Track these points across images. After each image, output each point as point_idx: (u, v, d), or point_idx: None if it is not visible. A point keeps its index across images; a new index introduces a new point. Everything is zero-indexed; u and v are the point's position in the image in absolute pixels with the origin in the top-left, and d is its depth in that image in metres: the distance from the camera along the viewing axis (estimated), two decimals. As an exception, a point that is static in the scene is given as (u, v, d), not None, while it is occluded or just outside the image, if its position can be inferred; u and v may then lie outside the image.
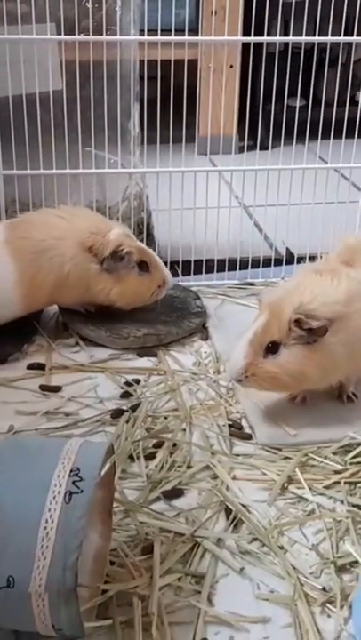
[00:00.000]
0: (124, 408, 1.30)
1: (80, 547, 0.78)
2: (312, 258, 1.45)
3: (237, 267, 1.81)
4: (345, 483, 1.14)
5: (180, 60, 1.66)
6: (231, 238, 1.78)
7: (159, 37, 1.61)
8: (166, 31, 1.62)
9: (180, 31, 1.63)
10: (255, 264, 1.84)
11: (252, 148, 2.53)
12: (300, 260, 1.81)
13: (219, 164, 1.88)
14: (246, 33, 1.76)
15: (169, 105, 1.64)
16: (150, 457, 1.19)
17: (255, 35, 1.69)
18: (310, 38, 1.77)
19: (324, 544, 1.04)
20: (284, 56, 1.74)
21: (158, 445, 1.22)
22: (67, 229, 1.48)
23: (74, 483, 0.82)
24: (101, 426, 1.27)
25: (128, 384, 1.39)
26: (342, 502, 1.11)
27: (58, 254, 1.45)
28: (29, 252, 1.45)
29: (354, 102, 2.84)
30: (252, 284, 1.80)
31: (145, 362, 1.48)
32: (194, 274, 1.80)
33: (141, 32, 1.65)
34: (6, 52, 1.56)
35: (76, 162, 1.67)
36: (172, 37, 1.62)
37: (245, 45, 1.76)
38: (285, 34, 2.37)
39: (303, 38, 1.74)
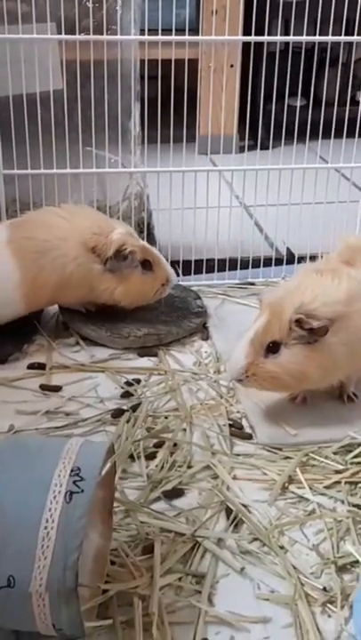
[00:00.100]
0: (125, 408, 1.30)
1: (81, 546, 0.78)
2: (313, 257, 1.45)
3: (238, 266, 1.81)
4: (346, 483, 1.14)
5: (180, 60, 1.66)
6: (232, 238, 1.78)
7: (160, 37, 1.61)
8: (167, 31, 1.62)
9: (180, 31, 1.62)
10: (256, 264, 1.84)
11: (252, 147, 2.52)
12: (301, 259, 1.81)
13: (219, 164, 1.88)
14: (247, 32, 1.76)
15: (169, 104, 1.64)
16: (151, 457, 1.19)
17: (256, 34, 1.69)
18: (311, 38, 1.77)
19: (324, 544, 1.04)
20: (285, 56, 1.74)
21: (159, 445, 1.21)
22: (69, 230, 1.47)
23: (74, 482, 0.82)
24: (102, 425, 1.27)
25: (128, 384, 1.39)
26: (343, 502, 1.11)
27: (61, 255, 1.45)
28: (32, 252, 1.45)
29: (354, 102, 2.84)
30: (252, 284, 1.80)
31: (145, 361, 1.48)
32: (194, 273, 1.80)
33: (142, 31, 1.65)
34: (7, 52, 1.56)
35: (77, 161, 1.67)
36: (173, 37, 1.62)
37: (246, 45, 1.76)
38: (286, 33, 2.37)
39: (304, 38, 1.74)
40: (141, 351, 1.50)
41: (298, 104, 1.82)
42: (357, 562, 1.00)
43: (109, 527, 0.99)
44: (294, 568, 0.99)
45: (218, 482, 1.14)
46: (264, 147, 1.85)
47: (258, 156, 1.74)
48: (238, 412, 1.32)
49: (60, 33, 1.58)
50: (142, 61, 1.67)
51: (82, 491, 0.81)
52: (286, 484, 1.14)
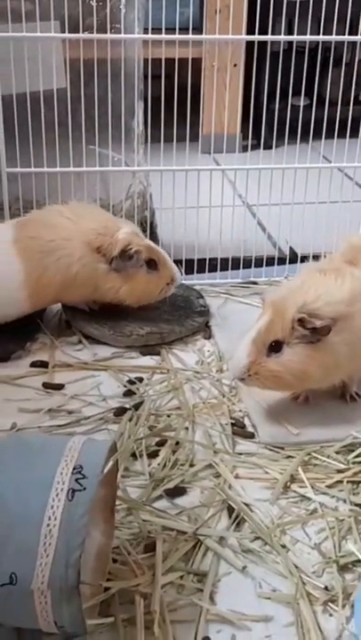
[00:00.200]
0: (127, 406, 1.31)
1: (83, 544, 0.79)
2: (316, 257, 1.45)
3: (241, 265, 1.81)
4: (348, 482, 1.14)
5: (184, 59, 1.66)
6: (235, 237, 1.78)
7: (163, 36, 1.61)
8: (170, 30, 1.62)
9: (184, 30, 1.62)
10: (259, 263, 1.84)
11: (255, 146, 2.52)
12: (304, 259, 1.80)
13: (222, 163, 1.88)
14: (250, 32, 1.75)
15: (173, 103, 1.64)
16: (153, 455, 1.19)
17: (259, 34, 1.69)
18: (315, 37, 1.77)
19: (326, 543, 1.04)
20: (289, 55, 1.74)
21: (161, 443, 1.22)
22: (74, 230, 1.47)
23: (77, 480, 0.82)
24: (104, 424, 1.27)
25: (131, 382, 1.39)
26: (345, 501, 1.11)
27: (65, 254, 1.45)
28: (37, 252, 1.45)
29: (358, 101, 2.84)
30: (255, 283, 1.80)
31: (148, 360, 1.48)
32: (197, 272, 1.80)
33: (145, 30, 1.65)
34: (10, 50, 1.56)
35: (80, 160, 1.67)
36: (176, 36, 1.62)
37: (249, 44, 1.75)
38: (290, 33, 2.37)
39: (307, 37, 1.74)
40: (144, 350, 1.50)
41: (301, 103, 1.83)
42: (359, 561, 1.00)
43: (111, 525, 0.99)
44: (296, 567, 0.99)
45: (220, 480, 1.15)
46: (267, 146, 1.86)
47: (261, 156, 1.75)
48: (241, 410, 1.32)
49: (64, 31, 1.58)
50: (146, 60, 1.66)
51: (84, 489, 0.81)
52: (288, 483, 1.15)
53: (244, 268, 1.81)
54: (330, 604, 0.94)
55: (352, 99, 1.87)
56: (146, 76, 1.68)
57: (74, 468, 0.83)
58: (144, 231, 1.80)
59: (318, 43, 1.76)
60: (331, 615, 0.93)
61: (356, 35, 1.74)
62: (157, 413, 1.29)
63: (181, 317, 1.58)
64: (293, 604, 0.94)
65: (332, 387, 1.32)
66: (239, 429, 1.27)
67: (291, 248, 1.94)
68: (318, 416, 1.30)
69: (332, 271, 1.28)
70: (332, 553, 1.01)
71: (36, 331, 1.54)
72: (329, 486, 1.14)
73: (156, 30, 1.62)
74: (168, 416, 1.29)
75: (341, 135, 1.74)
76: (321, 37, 1.75)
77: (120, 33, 1.64)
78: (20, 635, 0.89)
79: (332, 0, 1.64)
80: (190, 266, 1.77)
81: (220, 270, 1.78)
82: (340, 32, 1.77)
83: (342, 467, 1.17)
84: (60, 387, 1.37)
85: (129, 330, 1.51)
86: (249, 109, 1.83)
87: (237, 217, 1.80)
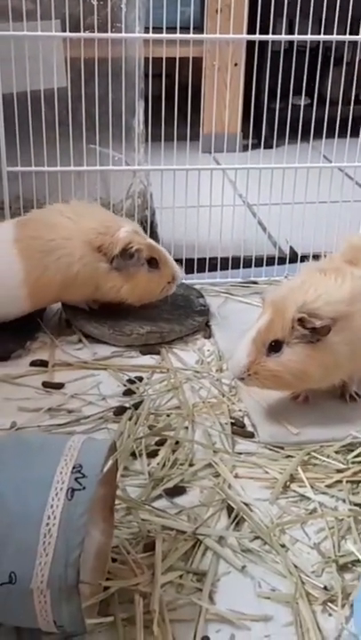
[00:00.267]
0: (127, 405, 1.31)
1: (82, 543, 0.79)
2: (316, 257, 1.45)
3: (241, 265, 1.81)
4: (347, 482, 1.14)
5: (184, 58, 1.66)
6: (235, 236, 1.78)
7: (164, 35, 1.61)
8: (171, 29, 1.62)
9: (185, 29, 1.62)
10: (259, 262, 1.84)
11: (256, 146, 2.52)
12: (304, 258, 1.80)
13: (223, 163, 1.87)
14: (251, 31, 1.75)
15: (173, 103, 1.64)
16: (152, 454, 1.19)
17: (260, 33, 1.69)
18: (316, 37, 1.77)
19: (325, 543, 1.04)
20: (289, 54, 1.74)
21: (160, 443, 1.22)
22: (75, 229, 1.47)
23: (76, 479, 0.82)
24: (104, 423, 1.27)
25: (131, 381, 1.39)
26: (344, 501, 1.11)
27: (66, 254, 1.45)
28: (38, 251, 1.45)
29: (359, 101, 2.83)
30: (255, 283, 1.80)
31: (148, 359, 1.48)
32: (197, 272, 1.80)
33: (146, 29, 1.65)
34: (11, 49, 1.56)
35: (80, 159, 1.67)
36: (177, 35, 1.62)
37: (250, 44, 1.75)
38: (291, 32, 2.36)
39: (308, 37, 1.74)
40: (144, 349, 1.50)
41: (302, 103, 1.83)
42: (358, 561, 1.00)
43: (111, 524, 0.99)
44: (295, 567, 0.99)
45: (219, 480, 1.15)
46: (268, 145, 1.86)
47: (261, 155, 1.75)
48: (240, 410, 1.32)
49: (65, 30, 1.58)
50: (146, 59, 1.66)
51: (83, 488, 0.81)
52: (288, 483, 1.15)
53: (244, 267, 1.81)
54: (329, 603, 0.95)
55: (353, 98, 1.87)
56: (147, 75, 1.68)
57: (73, 467, 0.83)
58: (144, 230, 1.80)
59: (319, 42, 1.76)
60: (330, 615, 0.93)
61: (357, 34, 1.74)
62: (157, 413, 1.29)
63: (181, 317, 1.58)
64: (293, 604, 0.94)
65: (331, 386, 1.32)
66: (239, 429, 1.27)
67: (291, 248, 1.94)
68: (318, 416, 1.30)
69: (332, 271, 1.28)
70: (331, 553, 1.01)
71: (36, 330, 1.54)
72: (328, 486, 1.14)
73: (157, 29, 1.62)
74: (168, 415, 1.29)
75: (342, 135, 1.74)
76: (322, 37, 1.75)
77: (121, 32, 1.64)
78: (19, 634, 0.89)
79: (333, 0, 1.64)
80: (190, 265, 1.77)
81: (221, 270, 1.78)
82: (341, 32, 1.77)
83: (342, 466, 1.17)
84: (59, 386, 1.37)
85: (129, 329, 1.51)
86: (250, 109, 1.83)
87: (238, 216, 1.80)
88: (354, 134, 1.76)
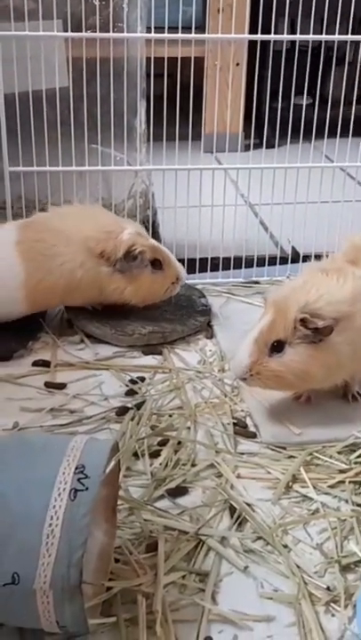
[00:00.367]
0: (129, 406, 1.31)
1: (85, 544, 0.79)
2: (318, 256, 1.45)
3: (243, 265, 1.81)
4: (350, 482, 1.14)
5: (186, 58, 1.65)
6: (237, 236, 1.78)
7: (166, 35, 1.61)
8: (173, 28, 1.62)
9: (186, 29, 1.62)
10: (261, 262, 1.84)
11: (258, 146, 2.52)
12: (306, 258, 1.80)
13: (225, 162, 1.87)
14: (253, 31, 1.75)
15: (175, 102, 1.64)
16: (155, 455, 1.19)
17: (262, 33, 1.69)
18: (317, 37, 1.77)
19: (328, 543, 1.04)
20: (291, 54, 1.74)
21: (163, 443, 1.22)
22: (76, 235, 1.47)
23: (79, 480, 0.82)
24: (106, 423, 1.27)
25: (133, 382, 1.39)
26: (347, 502, 1.11)
27: (68, 260, 1.46)
28: (39, 255, 1.45)
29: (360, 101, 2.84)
30: (257, 283, 1.80)
31: (150, 359, 1.48)
32: (199, 272, 1.80)
33: (148, 29, 1.65)
34: (13, 49, 1.56)
35: (82, 159, 1.67)
36: (179, 35, 1.62)
37: (252, 43, 1.75)
38: (292, 32, 2.36)
39: (310, 37, 1.74)
40: (146, 349, 1.50)
41: (304, 103, 1.82)
42: (361, 561, 1.00)
43: (113, 525, 0.99)
44: (298, 567, 0.99)
45: (222, 480, 1.14)
46: (270, 145, 1.85)
47: (263, 155, 1.74)
48: (243, 410, 1.32)
49: (67, 30, 1.58)
50: (148, 59, 1.67)
51: (86, 488, 0.81)
52: (290, 483, 1.14)
53: (246, 267, 1.81)
54: (332, 604, 0.94)
55: (355, 98, 1.87)
56: (148, 75, 1.68)
57: (76, 468, 0.83)
58: (146, 230, 1.80)
59: (321, 42, 1.75)
60: (333, 615, 0.93)
61: (359, 34, 1.74)
62: (159, 413, 1.29)
63: (183, 317, 1.58)
64: (295, 605, 0.94)
65: (334, 386, 1.32)
66: (241, 429, 1.27)
67: (293, 247, 1.94)
68: (320, 416, 1.30)
69: (334, 271, 1.27)
70: (334, 553, 1.01)
71: (39, 330, 1.54)
72: (331, 486, 1.14)
73: (159, 29, 1.62)
74: (170, 416, 1.29)
75: (344, 134, 1.74)
76: (324, 37, 1.75)
77: (123, 32, 1.64)
78: (21, 634, 0.89)
79: (334, -1, 1.64)
80: (192, 265, 1.77)
81: (223, 270, 1.78)
82: (344, 31, 1.77)
83: (344, 467, 1.17)
84: (62, 386, 1.37)
85: (131, 329, 1.51)
86: (251, 108, 1.83)
87: (240, 216, 1.80)
88: (356, 134, 1.76)
